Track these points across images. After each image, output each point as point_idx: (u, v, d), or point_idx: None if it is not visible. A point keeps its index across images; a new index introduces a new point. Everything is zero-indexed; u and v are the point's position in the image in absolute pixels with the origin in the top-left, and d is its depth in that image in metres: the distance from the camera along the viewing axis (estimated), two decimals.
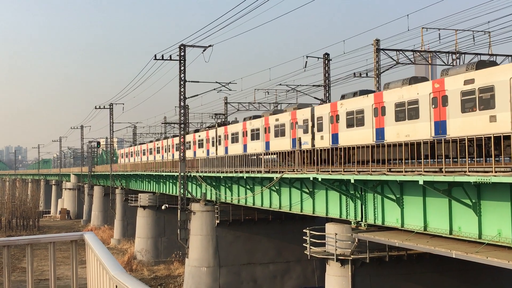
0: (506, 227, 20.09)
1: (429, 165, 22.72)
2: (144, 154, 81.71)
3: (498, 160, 20.22)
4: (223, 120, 62.32)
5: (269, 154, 38.18)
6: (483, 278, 28.60)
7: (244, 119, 47.35)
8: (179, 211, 47.06)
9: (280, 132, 39.22)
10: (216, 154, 51.14)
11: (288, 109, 40.23)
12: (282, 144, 38.78)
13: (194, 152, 57.60)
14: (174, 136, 62.79)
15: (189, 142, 59.14)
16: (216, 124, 54.51)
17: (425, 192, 24.10)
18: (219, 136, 51.20)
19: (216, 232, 45.02)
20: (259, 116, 44.84)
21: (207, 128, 57.55)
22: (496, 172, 18.54)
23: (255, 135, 43.12)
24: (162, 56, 47.48)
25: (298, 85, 51.33)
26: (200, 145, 56.70)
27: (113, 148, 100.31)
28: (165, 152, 68.05)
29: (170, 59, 47.46)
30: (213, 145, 52.91)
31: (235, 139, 47.20)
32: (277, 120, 39.71)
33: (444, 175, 20.60)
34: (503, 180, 18.22)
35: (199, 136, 57.48)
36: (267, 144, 40.99)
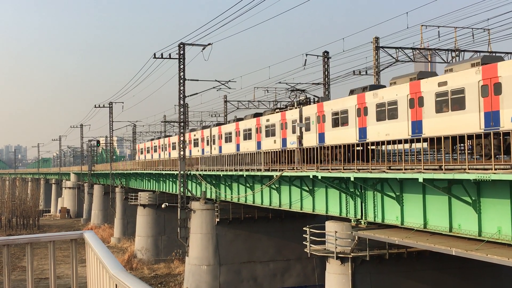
0: (506, 224, 20.10)
1: (429, 163, 22.74)
2: (164, 149, 72.18)
3: (497, 157, 20.23)
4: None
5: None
6: (483, 275, 28.62)
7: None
8: (179, 209, 47.06)
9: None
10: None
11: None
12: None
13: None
14: (192, 130, 59.39)
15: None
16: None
17: (425, 190, 24.11)
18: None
19: (216, 230, 45.04)
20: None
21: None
22: (495, 169, 18.54)
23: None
24: (162, 54, 47.47)
25: (297, 83, 51.34)
26: (196, 144, 57.37)
27: (113, 147, 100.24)
28: (193, 146, 60.99)
29: (170, 58, 47.45)
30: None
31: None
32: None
33: (444, 173, 20.61)
34: (502, 177, 18.23)
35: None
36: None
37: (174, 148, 59.28)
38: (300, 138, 35.65)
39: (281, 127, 38.65)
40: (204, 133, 55.16)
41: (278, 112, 40.02)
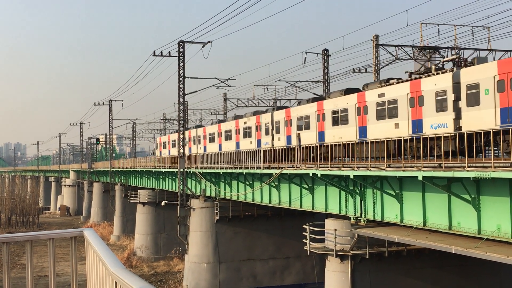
0: (505, 222, 20.12)
1: (428, 161, 22.77)
2: (197, 142, 58.87)
3: (497, 155, 20.25)
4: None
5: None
6: (482, 273, 28.67)
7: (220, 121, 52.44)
8: (178, 207, 47.08)
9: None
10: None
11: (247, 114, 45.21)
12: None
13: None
14: (220, 121, 52.96)
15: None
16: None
17: (425, 188, 24.12)
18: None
19: (215, 228, 45.05)
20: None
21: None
22: (495, 167, 18.55)
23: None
24: (161, 52, 47.45)
25: (297, 81, 51.35)
26: (211, 140, 57.29)
27: (112, 145, 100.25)
28: (225, 139, 53.33)
29: (169, 56, 47.41)
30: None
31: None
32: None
33: (444, 171, 20.63)
34: (502, 175, 18.24)
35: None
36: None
37: (211, 140, 52.18)
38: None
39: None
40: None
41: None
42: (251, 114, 44.72)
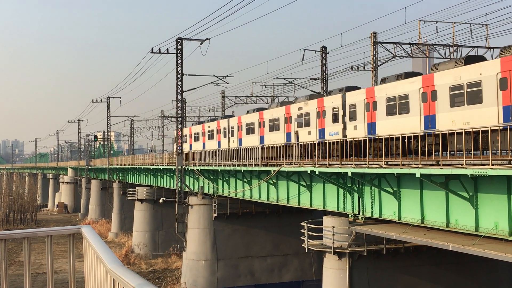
0: (503, 219, 20.14)
1: (426, 158, 22.78)
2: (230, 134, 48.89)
3: (495, 153, 20.27)
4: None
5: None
6: (479, 270, 28.72)
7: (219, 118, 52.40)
8: (176, 204, 47.07)
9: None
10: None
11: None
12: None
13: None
14: (259, 109, 44.81)
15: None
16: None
17: (422, 185, 24.14)
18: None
19: (213, 225, 45.06)
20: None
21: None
22: (493, 164, 18.57)
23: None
24: (159, 49, 47.38)
25: (295, 78, 51.33)
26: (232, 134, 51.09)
27: (110, 142, 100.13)
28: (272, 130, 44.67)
29: (167, 53, 47.36)
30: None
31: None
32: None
33: (441, 168, 20.64)
34: (500, 172, 18.25)
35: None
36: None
37: (250, 132, 43.82)
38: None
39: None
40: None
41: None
42: (305, 98, 37.21)
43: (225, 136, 48.52)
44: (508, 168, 18.01)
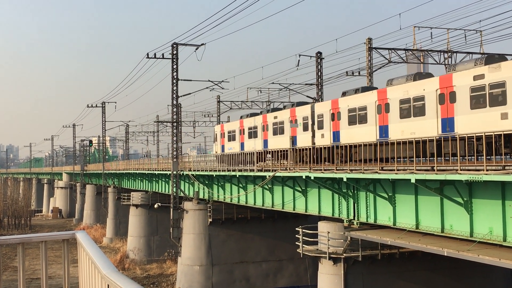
0: (497, 225, 20.20)
1: (421, 164, 22.85)
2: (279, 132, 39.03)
3: (489, 158, 20.35)
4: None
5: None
6: (474, 275, 28.76)
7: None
8: (171, 209, 47.00)
9: (253, 133, 42.54)
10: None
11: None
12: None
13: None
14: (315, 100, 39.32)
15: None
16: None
17: (417, 191, 24.19)
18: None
19: (208, 230, 45.00)
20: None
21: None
22: (487, 170, 18.63)
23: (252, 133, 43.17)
24: (155, 54, 47.42)
25: (290, 84, 51.40)
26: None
27: (105, 147, 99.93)
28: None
29: (163, 58, 47.40)
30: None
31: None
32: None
33: (436, 174, 20.69)
34: (494, 178, 18.32)
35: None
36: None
37: (305, 129, 35.05)
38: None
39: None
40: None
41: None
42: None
43: (275, 134, 38.93)
44: (502, 174, 18.08)
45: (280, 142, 37.26)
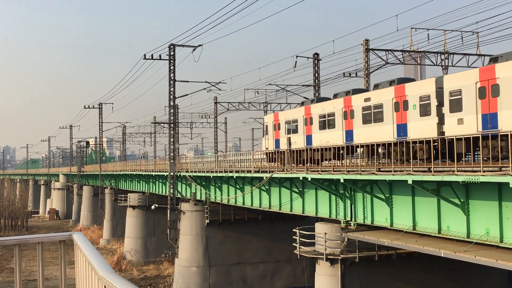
0: (494, 226, 20.23)
1: (418, 165, 22.87)
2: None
3: (486, 159, 20.38)
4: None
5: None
6: (471, 276, 28.79)
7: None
8: (168, 211, 46.98)
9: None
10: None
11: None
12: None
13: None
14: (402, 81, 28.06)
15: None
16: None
17: (414, 192, 24.22)
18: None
19: (205, 232, 44.98)
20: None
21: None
22: (484, 171, 18.66)
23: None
24: (152, 55, 47.41)
25: (287, 85, 51.46)
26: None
27: (102, 148, 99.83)
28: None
29: (160, 59, 47.39)
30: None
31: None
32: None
33: (433, 175, 20.72)
34: (491, 179, 18.35)
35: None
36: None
37: (424, 112, 25.73)
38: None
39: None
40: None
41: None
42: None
43: (367, 121, 28.68)
44: (498, 175, 18.11)
45: (375, 133, 27.84)
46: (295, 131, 35.65)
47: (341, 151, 29.78)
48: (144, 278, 55.16)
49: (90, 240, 76.19)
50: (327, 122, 32.14)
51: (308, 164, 30.32)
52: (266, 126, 39.80)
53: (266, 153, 38.39)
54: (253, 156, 38.59)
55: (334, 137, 31.19)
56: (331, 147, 29.73)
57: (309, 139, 33.99)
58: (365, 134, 28.67)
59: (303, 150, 32.87)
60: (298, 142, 34.93)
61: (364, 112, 28.78)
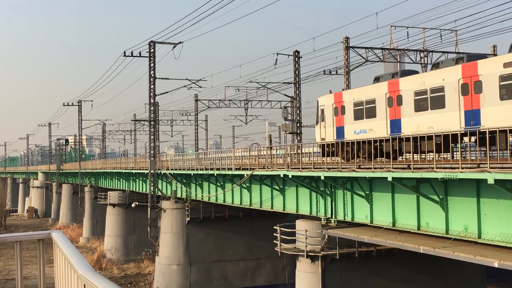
0: (472, 222, 20.47)
1: (398, 162, 23.04)
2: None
3: (464, 156, 20.59)
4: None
5: None
6: (450, 272, 29.12)
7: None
8: (149, 208, 46.77)
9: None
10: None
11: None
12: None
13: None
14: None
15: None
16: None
17: (394, 189, 24.39)
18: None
19: (186, 229, 44.89)
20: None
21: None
22: (462, 168, 18.86)
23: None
24: (132, 52, 47.10)
25: (268, 82, 51.47)
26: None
27: (82, 146, 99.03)
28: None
29: (140, 56, 47.11)
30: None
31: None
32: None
33: (412, 172, 20.89)
34: (469, 176, 18.55)
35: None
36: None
37: None
38: None
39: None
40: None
41: None
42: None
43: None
44: (477, 172, 18.32)
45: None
46: (371, 115, 27.51)
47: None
48: (124, 277, 54.87)
49: (70, 238, 75.58)
50: (430, 101, 23.58)
51: (392, 158, 22.94)
52: (322, 110, 31.60)
53: (322, 145, 30.65)
54: (233, 153, 38.59)
55: (441, 121, 22.93)
56: (448, 134, 20.60)
57: (395, 125, 25.90)
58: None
59: (387, 140, 24.81)
60: (377, 129, 26.94)
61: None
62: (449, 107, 22.49)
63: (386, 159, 24.31)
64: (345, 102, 29.53)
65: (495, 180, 17.23)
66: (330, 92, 31.37)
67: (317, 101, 32.39)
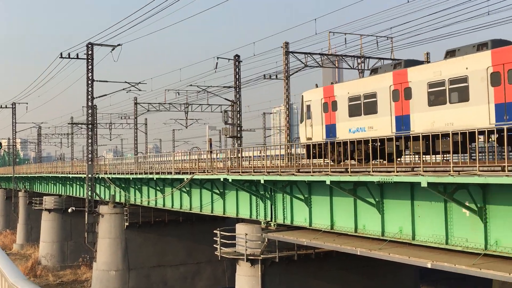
0: (406, 224, 21.06)
1: (336, 166, 23.44)
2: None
3: (399, 161, 21.17)
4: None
5: None
6: (386, 273, 29.84)
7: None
8: (86, 213, 45.77)
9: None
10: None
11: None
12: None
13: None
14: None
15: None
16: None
17: (332, 192, 24.80)
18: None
19: (125, 234, 44.17)
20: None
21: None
22: (397, 172, 19.38)
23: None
24: (69, 54, 46.02)
25: (209, 86, 51.35)
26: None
27: (16, 149, 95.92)
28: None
29: (77, 58, 46.08)
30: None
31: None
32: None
33: (350, 175, 21.30)
34: (404, 179, 19.08)
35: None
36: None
37: None
38: None
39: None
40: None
41: None
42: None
43: None
44: (411, 175, 18.87)
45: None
46: (371, 111, 24.48)
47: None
48: (60, 284, 53.49)
49: (3, 245, 73.06)
50: (449, 93, 20.73)
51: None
52: (308, 106, 28.47)
53: (307, 145, 27.56)
54: (173, 157, 38.31)
55: (463, 117, 20.12)
56: (473, 131, 17.30)
57: (402, 122, 22.95)
58: None
59: (391, 138, 22.33)
60: (379, 127, 23.95)
61: None
62: (474, 100, 19.68)
63: (389, 163, 22.41)
64: (337, 96, 26.40)
65: (428, 183, 17.80)
66: (317, 86, 28.20)
67: (302, 96, 28.77)
